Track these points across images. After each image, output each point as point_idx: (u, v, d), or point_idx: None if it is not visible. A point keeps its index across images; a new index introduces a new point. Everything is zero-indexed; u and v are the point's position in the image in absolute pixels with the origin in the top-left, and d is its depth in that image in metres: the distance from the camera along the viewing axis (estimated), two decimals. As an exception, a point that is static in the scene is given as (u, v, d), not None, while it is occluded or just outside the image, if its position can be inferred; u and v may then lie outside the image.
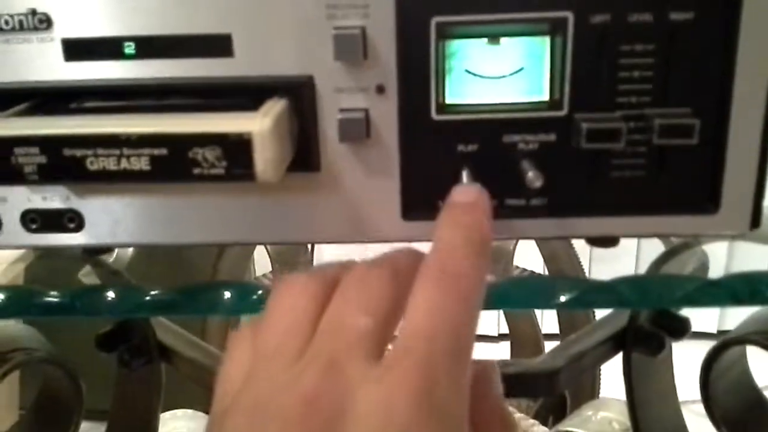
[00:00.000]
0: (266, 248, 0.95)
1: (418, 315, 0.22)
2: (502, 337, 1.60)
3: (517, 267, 1.00)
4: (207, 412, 0.46)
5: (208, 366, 0.48)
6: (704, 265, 0.47)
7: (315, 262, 0.94)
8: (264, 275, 1.04)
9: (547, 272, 0.81)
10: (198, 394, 0.53)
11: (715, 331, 1.50)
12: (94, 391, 0.49)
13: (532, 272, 1.02)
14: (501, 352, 1.50)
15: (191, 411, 0.77)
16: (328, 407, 0.21)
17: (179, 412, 0.76)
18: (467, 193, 0.27)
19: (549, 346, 0.85)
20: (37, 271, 0.46)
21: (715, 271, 0.45)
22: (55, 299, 0.33)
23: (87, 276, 0.46)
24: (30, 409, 0.52)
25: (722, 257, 1.48)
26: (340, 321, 0.24)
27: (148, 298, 0.33)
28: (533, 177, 0.30)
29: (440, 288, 0.23)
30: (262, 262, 1.01)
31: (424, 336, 0.22)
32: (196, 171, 0.27)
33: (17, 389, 0.92)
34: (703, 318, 1.47)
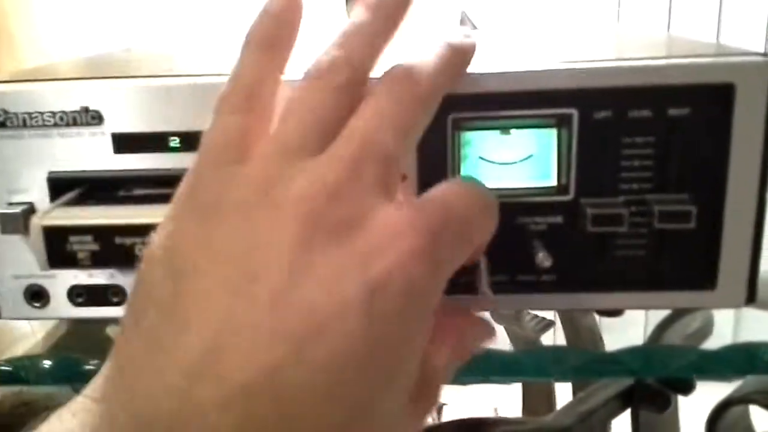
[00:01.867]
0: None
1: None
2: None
3: (528, 313, 1.02)
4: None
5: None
6: (707, 325, 0.49)
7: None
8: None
9: (560, 326, 0.82)
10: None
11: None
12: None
13: (543, 318, 1.04)
14: (512, 394, 1.50)
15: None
16: (348, 208, 0.22)
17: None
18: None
19: (560, 387, 0.86)
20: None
21: (726, 326, 0.47)
22: (98, 367, 0.36)
23: (115, 333, 0.49)
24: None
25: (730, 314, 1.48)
26: (369, 135, 0.24)
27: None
28: (543, 258, 0.32)
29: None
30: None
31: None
32: (235, 257, 0.30)
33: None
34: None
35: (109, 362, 0.23)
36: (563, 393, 0.77)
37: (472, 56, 0.29)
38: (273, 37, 0.26)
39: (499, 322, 0.85)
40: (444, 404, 1.23)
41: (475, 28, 0.78)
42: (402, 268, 0.22)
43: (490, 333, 0.30)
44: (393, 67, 0.26)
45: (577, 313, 0.80)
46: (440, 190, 0.25)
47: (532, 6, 1.41)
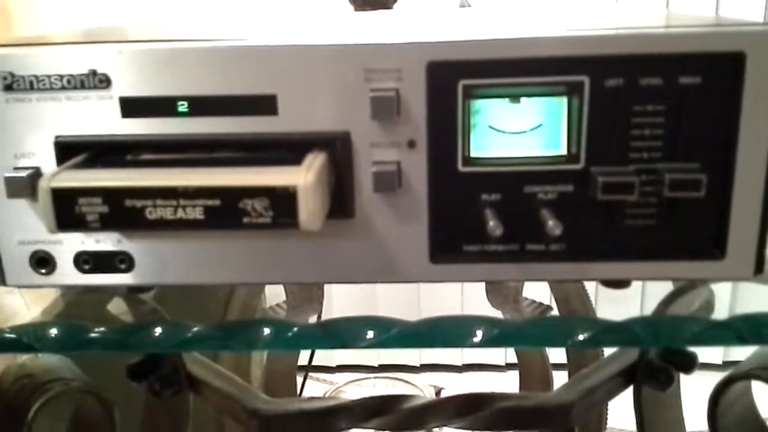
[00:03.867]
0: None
1: None
2: (509, 366, 1.62)
3: (526, 298, 1.02)
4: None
5: (235, 396, 0.50)
6: (709, 303, 0.49)
7: (326, 291, 0.96)
8: (278, 304, 1.06)
9: (556, 309, 0.83)
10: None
11: (720, 362, 1.52)
12: (122, 422, 0.51)
13: (541, 303, 1.04)
14: (509, 381, 1.51)
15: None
16: None
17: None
18: None
19: (557, 375, 0.86)
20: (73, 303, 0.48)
21: (720, 308, 0.47)
22: (104, 335, 0.36)
23: (116, 309, 0.48)
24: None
25: (726, 293, 1.49)
26: None
27: (190, 334, 0.35)
28: (553, 226, 0.32)
29: None
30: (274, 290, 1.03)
31: None
32: (246, 220, 0.30)
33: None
34: (708, 349, 1.48)
35: None
36: (561, 379, 0.78)
37: None
38: None
39: (497, 307, 0.85)
40: (442, 388, 1.23)
41: (469, 6, 0.78)
42: None
43: None
44: None
45: (572, 291, 0.80)
46: None
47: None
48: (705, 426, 0.49)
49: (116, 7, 1.43)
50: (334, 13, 0.62)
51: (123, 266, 0.35)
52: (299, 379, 1.03)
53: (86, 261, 0.35)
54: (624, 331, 0.34)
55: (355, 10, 0.81)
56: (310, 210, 0.30)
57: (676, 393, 0.52)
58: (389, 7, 0.81)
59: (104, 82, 0.32)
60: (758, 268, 0.34)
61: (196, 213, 0.29)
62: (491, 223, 0.32)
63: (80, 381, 0.48)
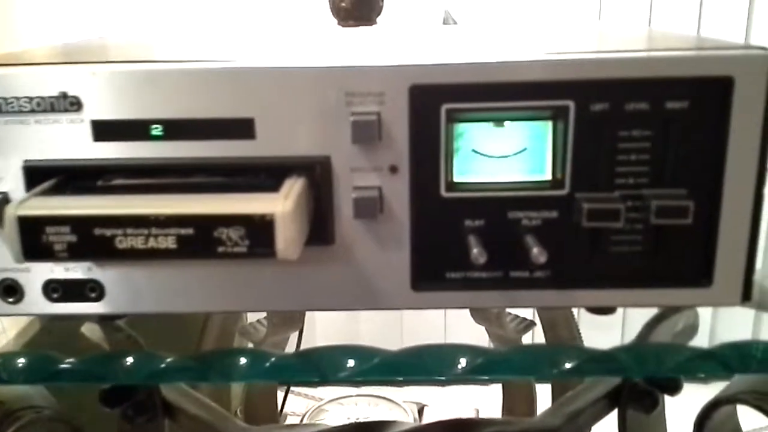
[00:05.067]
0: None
1: None
2: (492, 379, 1.61)
3: (509, 314, 1.01)
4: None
5: (212, 424, 0.49)
6: (694, 326, 0.48)
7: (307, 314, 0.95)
8: (258, 321, 1.05)
9: (542, 333, 0.82)
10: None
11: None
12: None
13: (524, 319, 1.04)
14: (491, 395, 1.50)
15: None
16: None
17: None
18: None
19: (540, 388, 0.85)
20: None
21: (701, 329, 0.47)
22: (75, 366, 0.34)
23: (90, 331, 0.47)
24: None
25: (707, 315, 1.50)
26: None
27: (163, 365, 0.34)
28: (537, 253, 0.31)
29: None
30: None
31: None
32: (220, 249, 0.29)
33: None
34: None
35: None
36: (542, 394, 0.77)
37: None
38: None
39: (481, 323, 0.84)
40: (425, 405, 1.22)
41: (455, 23, 0.78)
42: None
43: None
44: None
45: (558, 316, 0.79)
46: None
47: (512, 6, 1.41)
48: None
49: (93, 15, 1.41)
50: (316, 28, 0.61)
51: (93, 295, 0.34)
52: (280, 394, 1.02)
53: (55, 289, 0.34)
54: (609, 360, 0.33)
55: (338, 23, 0.80)
56: (287, 239, 0.29)
57: (661, 416, 0.51)
58: (373, 22, 0.80)
59: (75, 104, 0.31)
60: (746, 296, 0.33)
61: (168, 242, 0.28)
62: (475, 251, 0.32)
63: (52, 409, 0.47)
